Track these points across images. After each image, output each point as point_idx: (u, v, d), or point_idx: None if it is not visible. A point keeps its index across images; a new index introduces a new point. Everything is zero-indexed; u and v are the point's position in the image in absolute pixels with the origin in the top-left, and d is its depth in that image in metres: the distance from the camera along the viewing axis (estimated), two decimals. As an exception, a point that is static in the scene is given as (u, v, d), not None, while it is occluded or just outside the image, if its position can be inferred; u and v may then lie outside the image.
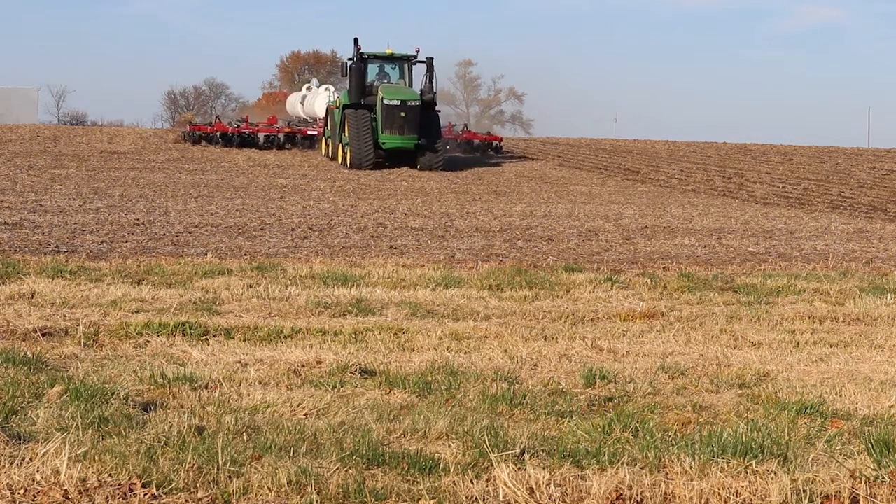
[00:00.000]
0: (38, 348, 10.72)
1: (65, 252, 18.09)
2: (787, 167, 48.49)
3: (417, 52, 43.98)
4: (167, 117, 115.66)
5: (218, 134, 49.58)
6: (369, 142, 41.88)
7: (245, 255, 18.55)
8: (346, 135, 42.58)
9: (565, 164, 49.42)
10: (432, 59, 43.10)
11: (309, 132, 49.94)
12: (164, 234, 21.29)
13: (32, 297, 13.50)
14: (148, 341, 11.27)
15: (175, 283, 15.05)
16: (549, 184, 39.58)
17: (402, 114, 41.72)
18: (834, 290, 15.97)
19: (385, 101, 41.71)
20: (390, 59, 44.39)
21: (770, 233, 25.54)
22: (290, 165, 43.39)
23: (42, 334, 11.36)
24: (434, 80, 43.06)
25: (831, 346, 12.06)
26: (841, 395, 9.68)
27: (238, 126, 50.80)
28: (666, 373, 10.41)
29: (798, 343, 12.22)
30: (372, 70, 44.17)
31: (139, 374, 9.55)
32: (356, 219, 25.60)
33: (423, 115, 42.18)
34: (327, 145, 46.64)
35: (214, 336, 11.61)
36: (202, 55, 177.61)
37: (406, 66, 44.41)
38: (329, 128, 46.30)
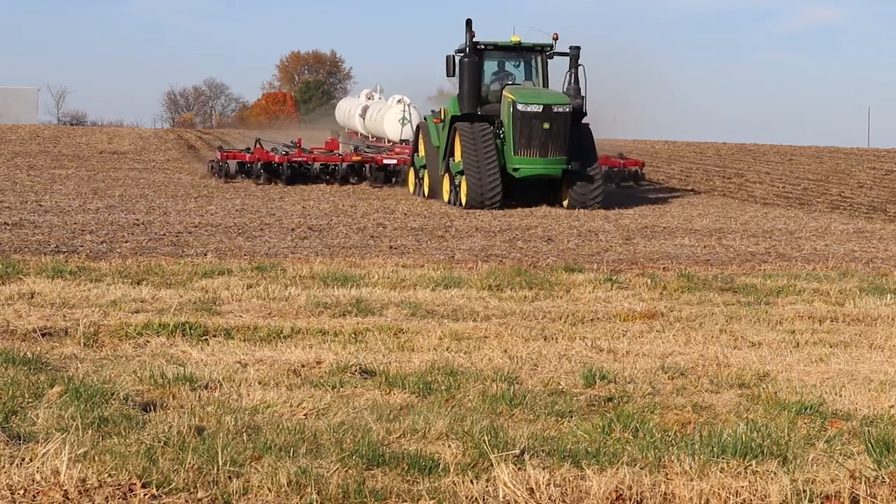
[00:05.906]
0: (38, 348, 10.72)
1: (65, 252, 18.09)
2: (787, 167, 48.49)
3: (556, 39, 30.77)
4: (167, 117, 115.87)
5: (259, 164, 35.43)
6: (495, 168, 28.93)
7: (245, 255, 18.55)
8: (458, 160, 29.51)
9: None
10: (578, 48, 30.18)
11: (385, 161, 35.76)
12: (164, 235, 21.29)
13: (32, 297, 13.50)
14: (148, 341, 11.27)
15: (175, 283, 15.06)
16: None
17: (546, 125, 28.86)
18: (834, 290, 15.96)
19: (519, 107, 28.97)
20: (516, 49, 31.07)
21: (770, 233, 25.52)
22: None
23: (42, 334, 11.36)
24: (583, 80, 30.23)
25: (831, 347, 12.05)
26: (841, 396, 9.68)
27: (288, 153, 36.00)
28: (666, 373, 10.41)
29: (798, 343, 12.21)
30: (488, 68, 31.28)
31: (139, 375, 9.55)
32: (356, 219, 25.60)
33: (573, 128, 29.60)
34: (419, 178, 32.85)
35: (214, 336, 11.61)
36: (202, 55, 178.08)
37: (537, 59, 31.12)
38: (423, 153, 32.39)
